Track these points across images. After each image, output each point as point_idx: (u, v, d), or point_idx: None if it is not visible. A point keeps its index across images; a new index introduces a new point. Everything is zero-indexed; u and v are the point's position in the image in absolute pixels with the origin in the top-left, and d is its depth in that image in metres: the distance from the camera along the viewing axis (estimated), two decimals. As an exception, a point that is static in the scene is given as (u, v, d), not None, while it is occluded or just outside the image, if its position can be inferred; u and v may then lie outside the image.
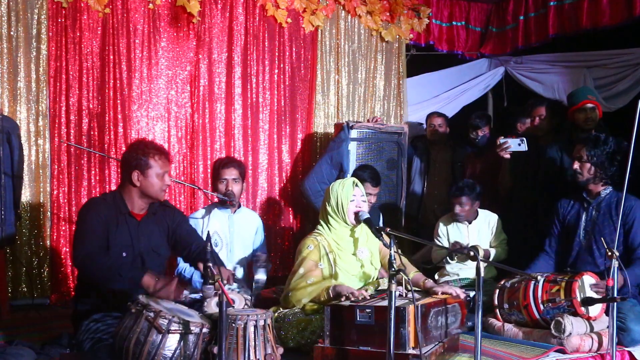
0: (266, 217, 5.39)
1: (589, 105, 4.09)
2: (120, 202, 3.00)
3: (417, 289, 3.14)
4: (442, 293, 3.00)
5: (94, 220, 2.91)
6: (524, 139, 4.11)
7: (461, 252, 3.94)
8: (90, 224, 2.91)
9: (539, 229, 4.06)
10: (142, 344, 2.34)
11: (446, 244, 4.15)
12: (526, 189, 4.36)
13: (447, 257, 4.09)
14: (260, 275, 3.49)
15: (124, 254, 2.93)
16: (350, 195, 3.23)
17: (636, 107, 2.96)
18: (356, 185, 3.29)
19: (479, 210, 4.20)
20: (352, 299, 2.78)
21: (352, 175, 4.23)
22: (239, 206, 3.98)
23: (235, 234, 3.89)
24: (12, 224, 3.83)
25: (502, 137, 4.15)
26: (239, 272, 3.85)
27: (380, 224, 4.43)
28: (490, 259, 4.02)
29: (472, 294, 3.64)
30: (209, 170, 4.78)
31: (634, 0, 4.96)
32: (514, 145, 4.12)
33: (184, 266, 3.73)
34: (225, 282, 2.52)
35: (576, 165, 3.53)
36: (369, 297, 2.86)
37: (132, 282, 2.74)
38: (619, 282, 2.92)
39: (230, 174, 3.85)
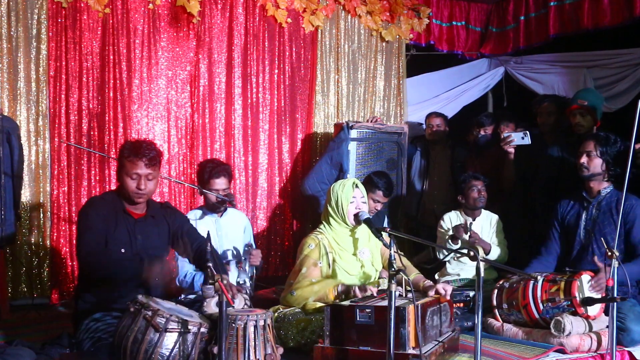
0: (266, 217, 5.39)
1: (577, 110, 4.04)
2: (117, 200, 3.03)
3: (416, 290, 3.15)
4: (436, 292, 3.01)
5: (94, 217, 2.95)
6: (527, 132, 4.10)
7: (464, 230, 3.96)
8: (91, 221, 2.94)
9: (537, 229, 4.06)
10: (139, 342, 2.34)
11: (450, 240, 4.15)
12: (526, 187, 4.36)
13: (450, 241, 4.07)
14: (243, 278, 3.48)
15: (122, 250, 2.96)
16: (350, 197, 3.24)
17: (636, 107, 2.96)
18: (356, 186, 3.30)
19: (482, 209, 4.21)
20: (361, 295, 2.84)
21: (367, 179, 4.22)
22: (225, 209, 3.96)
23: (224, 237, 3.88)
24: (12, 224, 3.82)
25: (506, 131, 4.15)
26: (233, 272, 3.83)
27: (385, 225, 4.43)
28: (492, 255, 4.02)
29: (471, 294, 3.64)
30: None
31: (635, 1, 4.97)
32: (517, 138, 4.12)
33: (184, 272, 3.72)
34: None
35: (583, 159, 3.52)
36: (376, 295, 2.89)
37: (133, 279, 2.77)
38: (627, 279, 2.92)
39: (221, 184, 3.82)
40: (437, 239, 4.30)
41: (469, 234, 3.97)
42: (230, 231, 3.93)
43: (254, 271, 3.79)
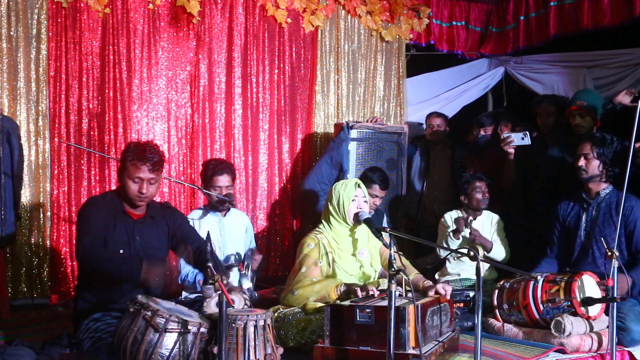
0: (266, 217, 5.39)
1: (576, 111, 4.04)
2: (116, 200, 3.04)
3: (415, 290, 3.14)
4: (436, 292, 3.01)
5: (94, 216, 2.95)
6: (527, 132, 4.11)
7: (465, 223, 3.95)
8: (91, 219, 2.94)
9: (538, 229, 4.05)
10: (139, 343, 2.34)
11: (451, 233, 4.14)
12: (526, 187, 4.36)
13: (452, 234, 4.05)
14: (247, 284, 3.48)
15: (121, 251, 2.96)
16: (352, 196, 3.24)
17: (636, 107, 2.96)
18: (358, 186, 3.30)
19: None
20: (363, 295, 2.83)
21: (362, 175, 4.22)
22: (229, 209, 3.96)
23: (226, 237, 3.88)
24: (12, 224, 3.83)
25: (506, 132, 4.15)
26: (234, 276, 3.83)
27: (385, 225, 4.42)
28: (495, 254, 4.01)
29: (472, 294, 3.64)
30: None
31: (635, 1, 4.97)
32: (517, 139, 4.12)
33: (186, 271, 3.72)
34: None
35: (581, 162, 3.52)
36: (378, 295, 2.89)
37: (132, 278, 2.76)
38: (628, 283, 2.92)
39: (224, 181, 3.82)
40: (438, 237, 4.29)
41: (469, 229, 3.97)
42: (232, 231, 3.93)
43: (254, 275, 3.78)
